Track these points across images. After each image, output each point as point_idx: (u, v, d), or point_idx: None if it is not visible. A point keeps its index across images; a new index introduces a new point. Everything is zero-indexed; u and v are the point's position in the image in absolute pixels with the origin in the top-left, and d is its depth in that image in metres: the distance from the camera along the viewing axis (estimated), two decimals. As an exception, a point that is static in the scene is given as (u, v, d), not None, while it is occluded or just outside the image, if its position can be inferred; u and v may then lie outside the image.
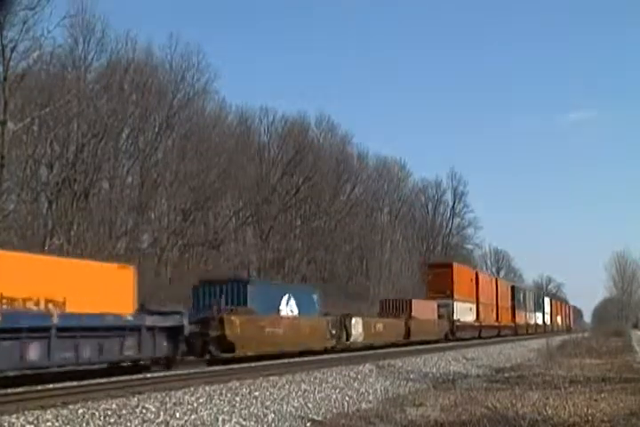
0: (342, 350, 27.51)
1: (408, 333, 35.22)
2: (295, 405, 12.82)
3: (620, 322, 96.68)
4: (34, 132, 34.94)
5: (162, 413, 10.55)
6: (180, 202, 43.19)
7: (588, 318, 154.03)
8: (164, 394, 11.84)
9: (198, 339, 19.70)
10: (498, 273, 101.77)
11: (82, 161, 37.04)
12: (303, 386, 14.64)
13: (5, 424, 8.96)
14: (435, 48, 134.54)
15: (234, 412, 11.44)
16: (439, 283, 43.22)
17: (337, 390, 15.00)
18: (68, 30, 37.51)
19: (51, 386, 13.42)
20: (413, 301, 38.50)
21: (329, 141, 63.26)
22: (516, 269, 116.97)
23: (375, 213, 68.84)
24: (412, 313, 36.69)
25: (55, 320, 14.38)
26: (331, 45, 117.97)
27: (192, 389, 12.70)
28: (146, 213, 42.00)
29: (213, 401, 11.91)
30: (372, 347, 30.43)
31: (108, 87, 39.35)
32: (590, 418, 10.89)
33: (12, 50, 30.69)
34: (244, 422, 11.02)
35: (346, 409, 13.32)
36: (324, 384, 15.36)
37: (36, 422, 9.20)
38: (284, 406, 12.53)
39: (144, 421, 10.06)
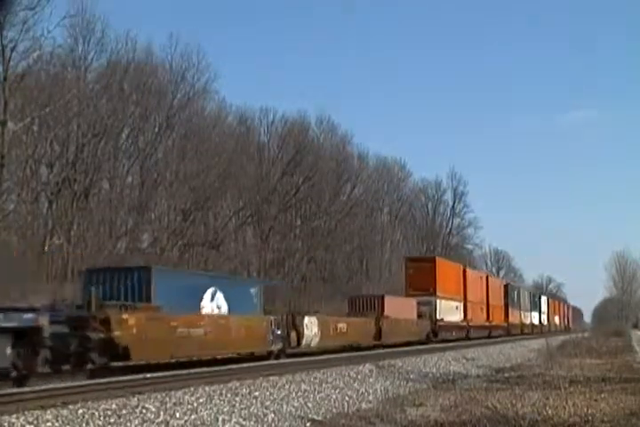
0: (293, 355, 24.28)
1: (379, 334, 31.80)
2: (295, 405, 12.82)
3: (620, 322, 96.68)
4: (34, 132, 34.97)
5: (162, 413, 10.54)
6: (180, 202, 43.19)
7: (588, 318, 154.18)
8: (163, 394, 11.84)
9: (72, 344, 15.31)
10: (498, 273, 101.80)
11: (82, 161, 37.07)
12: (303, 386, 14.64)
13: (5, 424, 8.95)
14: (435, 48, 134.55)
15: (234, 412, 11.44)
16: (421, 279, 39.59)
17: (337, 390, 15.00)
18: (67, 30, 37.61)
19: (51, 386, 13.41)
20: (387, 298, 34.62)
21: (329, 141, 63.28)
22: (516, 269, 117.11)
23: (375, 213, 68.85)
24: (385, 312, 33.04)
25: None
26: (331, 45, 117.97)
27: (192, 389, 12.69)
28: (146, 213, 42.01)
29: (213, 401, 11.91)
30: (335, 351, 27.17)
31: (108, 87, 39.37)
32: (590, 418, 10.90)
33: (12, 50, 30.77)
34: (243, 422, 11.02)
35: (346, 409, 13.32)
36: (323, 384, 15.36)
37: (35, 422, 9.19)
38: (284, 406, 12.52)
39: (144, 421, 10.05)
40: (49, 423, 9.25)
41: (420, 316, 37.77)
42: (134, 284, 18.73)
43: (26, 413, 9.56)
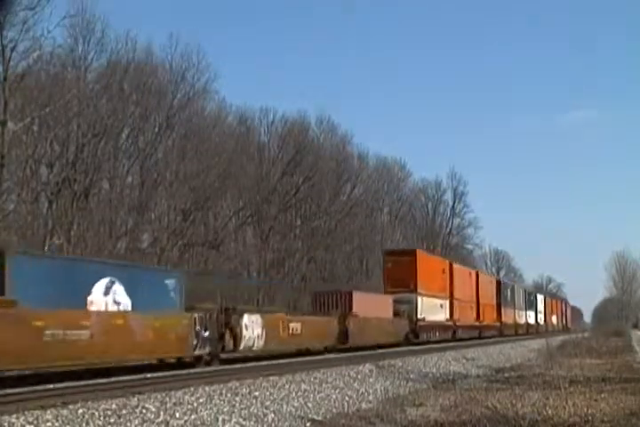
0: (226, 361, 20.69)
1: (345, 335, 27.96)
2: (295, 405, 12.82)
3: (620, 322, 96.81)
4: (34, 132, 34.94)
5: (162, 413, 10.55)
6: (180, 202, 43.17)
7: (588, 318, 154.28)
8: (163, 394, 11.84)
9: None
10: (498, 273, 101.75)
11: (82, 161, 37.05)
12: (303, 386, 14.64)
13: (5, 424, 8.95)
14: (435, 48, 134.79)
15: (234, 412, 11.44)
16: (400, 274, 35.83)
17: (337, 390, 15.00)
18: (67, 30, 37.51)
19: (51, 386, 13.41)
20: (356, 294, 30.69)
21: (329, 141, 63.26)
22: (516, 269, 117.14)
23: (375, 213, 68.85)
24: (354, 309, 29.26)
25: None
26: (331, 45, 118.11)
27: (192, 389, 12.69)
28: (146, 213, 42.00)
29: (213, 401, 11.91)
30: (285, 355, 23.59)
31: (108, 87, 39.35)
32: (590, 418, 10.91)
33: (12, 50, 30.69)
34: (243, 422, 11.02)
35: (346, 409, 13.32)
36: (323, 384, 15.37)
37: (35, 422, 9.19)
38: (284, 406, 12.53)
39: (144, 421, 10.06)
40: (49, 423, 9.25)
41: (397, 315, 34.39)
42: None
43: (26, 413, 9.56)
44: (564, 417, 11.04)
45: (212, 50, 74.89)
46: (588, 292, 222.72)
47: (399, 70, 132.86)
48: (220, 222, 48.35)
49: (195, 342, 18.86)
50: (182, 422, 10.37)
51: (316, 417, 12.17)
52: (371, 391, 15.72)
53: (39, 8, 30.81)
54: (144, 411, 10.48)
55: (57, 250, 31.89)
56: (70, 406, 10.19)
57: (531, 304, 68.75)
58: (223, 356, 20.72)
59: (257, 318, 22.21)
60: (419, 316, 35.95)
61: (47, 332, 14.03)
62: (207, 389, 12.91)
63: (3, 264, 14.05)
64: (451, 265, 45.18)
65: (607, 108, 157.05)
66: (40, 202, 36.20)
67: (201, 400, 11.78)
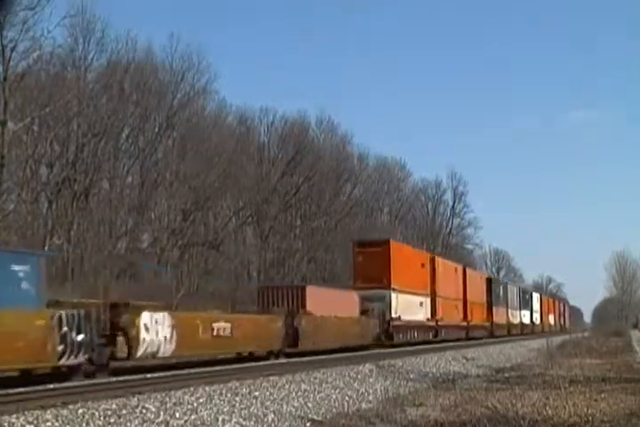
0: (116, 373, 15.91)
1: (295, 337, 23.75)
2: (295, 405, 12.82)
3: (620, 322, 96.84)
4: (34, 132, 34.96)
5: (162, 413, 10.54)
6: (180, 202, 43.19)
7: (588, 318, 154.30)
8: (163, 394, 11.84)
9: None
10: (498, 273, 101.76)
11: (82, 161, 37.07)
12: (303, 386, 14.64)
13: (5, 424, 8.94)
14: (435, 48, 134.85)
15: (234, 412, 11.44)
16: (371, 268, 31.71)
17: (337, 390, 15.00)
18: (67, 30, 37.57)
19: (51, 386, 13.41)
20: (310, 289, 26.84)
21: (329, 141, 63.29)
22: (516, 269, 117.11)
23: (375, 213, 68.89)
24: (308, 307, 25.30)
25: None
26: (331, 45, 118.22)
27: (192, 389, 12.69)
28: (146, 212, 42.02)
29: (213, 401, 11.91)
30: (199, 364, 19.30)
31: (108, 87, 39.37)
32: (590, 418, 10.91)
33: (12, 50, 30.73)
34: (243, 422, 11.02)
35: (346, 409, 13.31)
36: (323, 384, 15.36)
37: (35, 422, 9.18)
38: (284, 406, 12.52)
39: (144, 421, 10.05)
40: (49, 423, 9.24)
41: (365, 313, 30.41)
42: None
43: (26, 413, 9.55)
44: (564, 417, 11.03)
45: (213, 50, 75.30)
46: (587, 292, 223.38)
47: (399, 70, 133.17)
48: (220, 222, 48.37)
49: (60, 349, 14.23)
50: (182, 422, 10.36)
51: (315, 417, 12.17)
52: (371, 391, 15.71)
53: (39, 8, 30.91)
54: (144, 411, 10.47)
55: (57, 250, 31.90)
56: (70, 406, 10.18)
57: (525, 303, 65.79)
58: (116, 364, 16.63)
59: (164, 316, 17.69)
60: (393, 315, 32.01)
61: None
62: (207, 389, 12.91)
63: None
64: (432, 259, 41.04)
65: (607, 108, 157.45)
66: (40, 202, 36.22)
67: (201, 400, 11.78)
